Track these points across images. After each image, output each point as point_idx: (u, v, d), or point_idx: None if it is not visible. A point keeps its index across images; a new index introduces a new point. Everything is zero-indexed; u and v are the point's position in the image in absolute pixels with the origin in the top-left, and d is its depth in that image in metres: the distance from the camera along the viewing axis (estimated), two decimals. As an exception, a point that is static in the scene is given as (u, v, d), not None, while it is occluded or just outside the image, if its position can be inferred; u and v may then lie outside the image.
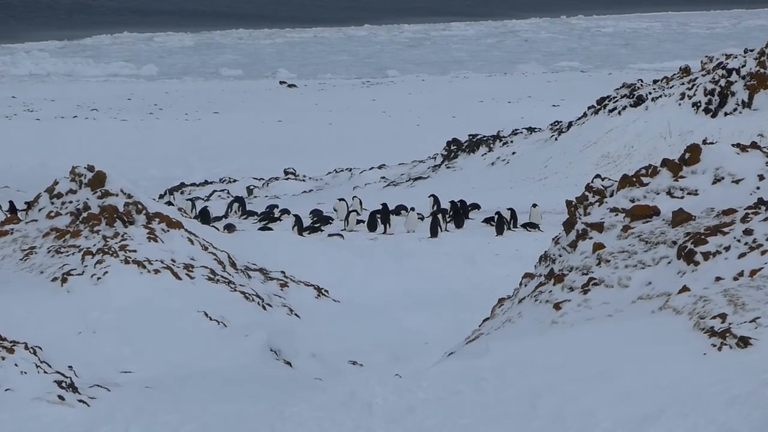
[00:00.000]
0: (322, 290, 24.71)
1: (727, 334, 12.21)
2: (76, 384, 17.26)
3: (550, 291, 15.62)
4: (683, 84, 45.90)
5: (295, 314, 22.96)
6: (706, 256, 14.32)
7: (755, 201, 15.33)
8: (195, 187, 52.62)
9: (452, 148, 50.97)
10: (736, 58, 45.11)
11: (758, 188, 16.39)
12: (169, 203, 41.64)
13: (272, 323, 21.75)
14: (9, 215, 28.86)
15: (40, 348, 17.92)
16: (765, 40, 46.20)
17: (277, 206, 40.00)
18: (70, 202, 24.39)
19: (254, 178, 54.23)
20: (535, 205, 34.00)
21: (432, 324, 22.66)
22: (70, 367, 18.11)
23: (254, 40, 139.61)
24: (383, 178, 50.38)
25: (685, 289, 13.75)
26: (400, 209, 35.05)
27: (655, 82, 48.39)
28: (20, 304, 20.29)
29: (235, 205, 39.26)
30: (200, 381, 18.30)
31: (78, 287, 21.24)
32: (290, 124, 70.58)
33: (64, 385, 16.93)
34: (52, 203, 24.55)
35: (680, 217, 15.62)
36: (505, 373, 12.78)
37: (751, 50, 45.59)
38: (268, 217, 37.32)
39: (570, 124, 48.14)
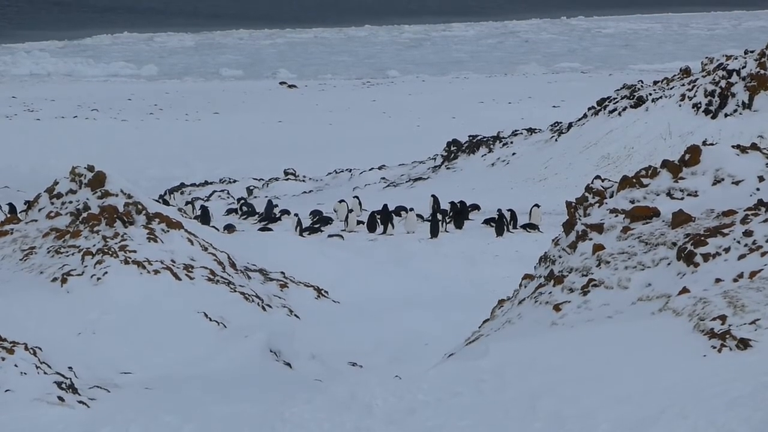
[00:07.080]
0: (322, 291, 24.69)
1: (727, 336, 12.20)
2: (75, 385, 17.25)
3: (550, 292, 15.61)
4: (683, 85, 45.88)
5: (295, 315, 22.94)
6: (706, 257, 14.31)
7: (755, 202, 15.31)
8: (195, 188, 52.59)
9: (452, 148, 50.94)
10: (736, 59, 45.08)
11: (758, 189, 16.37)
12: (165, 201, 41.70)
13: (272, 324, 21.73)
14: (9, 215, 28.89)
15: (40, 349, 17.91)
16: (765, 42, 46.17)
17: (276, 206, 40.01)
18: (70, 202, 24.38)
19: (254, 179, 54.19)
20: (537, 206, 33.97)
21: (432, 325, 22.64)
22: (69, 367, 18.10)
23: (255, 41, 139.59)
24: (383, 178, 50.34)
25: (684, 290, 13.72)
26: (400, 210, 35.05)
27: (655, 83, 48.38)
28: (20, 304, 20.28)
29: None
30: (200, 382, 18.29)
31: (78, 287, 21.23)
32: (290, 124, 70.57)
33: (63, 386, 16.92)
34: (52, 203, 24.53)
35: (680, 219, 15.60)
36: (504, 375, 12.77)
37: (752, 51, 45.55)
38: (269, 217, 37.36)
39: (570, 125, 48.11)
